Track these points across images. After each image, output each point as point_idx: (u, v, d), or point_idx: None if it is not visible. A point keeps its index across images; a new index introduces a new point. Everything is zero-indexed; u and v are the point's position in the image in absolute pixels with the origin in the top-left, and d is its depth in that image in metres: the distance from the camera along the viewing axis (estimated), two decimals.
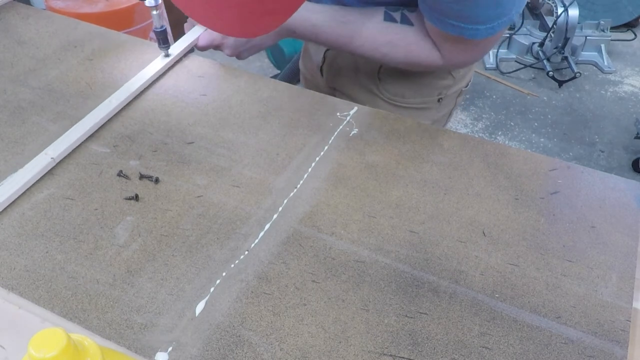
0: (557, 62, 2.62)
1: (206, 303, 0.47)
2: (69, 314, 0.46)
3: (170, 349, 0.44)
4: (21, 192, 0.56)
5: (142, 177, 0.59)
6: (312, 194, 0.58)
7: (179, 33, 0.80)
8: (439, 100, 0.87)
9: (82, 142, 0.63)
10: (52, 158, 0.59)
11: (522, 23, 2.75)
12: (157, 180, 0.58)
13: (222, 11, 0.50)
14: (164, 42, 0.72)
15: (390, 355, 0.45)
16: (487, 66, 2.73)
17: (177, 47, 0.78)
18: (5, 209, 0.54)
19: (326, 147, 0.64)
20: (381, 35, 0.71)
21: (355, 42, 0.73)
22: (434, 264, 0.52)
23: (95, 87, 0.71)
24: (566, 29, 2.49)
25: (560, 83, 2.57)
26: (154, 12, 0.67)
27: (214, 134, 0.65)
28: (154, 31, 0.70)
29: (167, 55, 0.75)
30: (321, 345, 0.45)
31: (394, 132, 0.67)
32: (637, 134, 2.22)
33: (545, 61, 2.58)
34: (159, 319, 0.46)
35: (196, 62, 0.77)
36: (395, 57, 0.73)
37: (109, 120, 0.66)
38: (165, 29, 0.69)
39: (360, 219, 0.56)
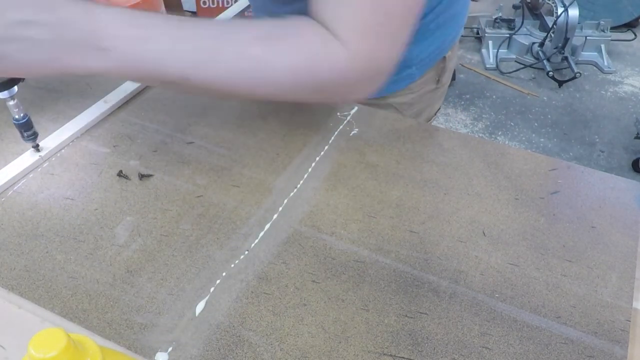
0: (557, 62, 2.62)
1: (206, 303, 0.47)
2: (69, 314, 0.46)
3: (170, 349, 0.44)
4: (5, 188, 0.56)
5: (142, 177, 0.59)
6: (312, 194, 0.58)
7: None
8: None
9: (82, 142, 0.63)
10: (40, 156, 0.59)
11: (522, 23, 2.75)
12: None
13: None
14: (28, 133, 0.57)
15: (390, 355, 0.45)
16: (487, 66, 2.73)
17: None
18: (4, 208, 0.54)
19: (326, 147, 0.64)
20: (252, 40, 0.48)
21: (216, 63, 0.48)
22: (434, 264, 0.52)
23: (95, 86, 0.71)
24: (566, 29, 2.49)
25: (560, 83, 2.57)
26: (10, 103, 0.54)
27: (214, 134, 0.65)
28: (15, 124, 0.56)
29: (37, 150, 0.59)
30: (321, 345, 0.45)
31: (394, 132, 0.67)
32: (637, 134, 2.23)
33: (545, 61, 2.58)
34: (159, 319, 0.46)
35: None
36: (273, 68, 0.48)
37: (109, 121, 0.66)
38: (28, 118, 0.56)
39: (360, 219, 0.56)
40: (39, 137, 0.59)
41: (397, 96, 0.79)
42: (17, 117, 0.56)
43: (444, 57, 0.81)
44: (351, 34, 0.48)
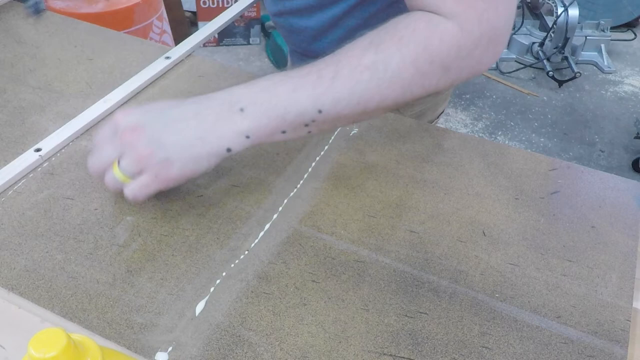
0: (557, 62, 2.62)
1: (206, 303, 0.47)
2: (69, 314, 0.46)
3: (170, 349, 0.44)
4: (5, 188, 0.56)
5: None
6: (312, 194, 0.58)
7: (178, 33, 0.80)
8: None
9: (82, 142, 0.63)
10: (40, 156, 0.59)
11: (522, 23, 2.75)
12: None
13: None
14: None
15: (390, 355, 0.45)
16: None
17: (179, 50, 0.78)
18: (4, 208, 0.54)
19: (326, 147, 0.64)
20: (366, 50, 0.50)
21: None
22: (434, 264, 0.52)
23: (95, 86, 0.71)
24: (566, 29, 2.49)
25: (560, 83, 2.57)
26: None
27: None
28: None
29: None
30: (321, 345, 0.45)
31: (394, 132, 0.67)
32: (637, 134, 2.23)
33: (545, 61, 2.58)
34: (159, 319, 0.46)
35: (196, 62, 0.77)
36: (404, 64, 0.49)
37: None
38: None
39: (360, 219, 0.56)
40: (38, 140, 0.59)
41: None
42: None
43: None
44: (454, 5, 0.48)
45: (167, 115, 0.51)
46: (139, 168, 0.50)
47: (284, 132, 0.51)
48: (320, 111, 0.50)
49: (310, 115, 0.50)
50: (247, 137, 0.50)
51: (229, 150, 0.50)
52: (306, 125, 0.51)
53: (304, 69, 0.51)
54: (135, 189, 0.51)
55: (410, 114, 0.82)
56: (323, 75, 0.50)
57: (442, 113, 0.91)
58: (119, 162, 0.50)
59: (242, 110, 0.50)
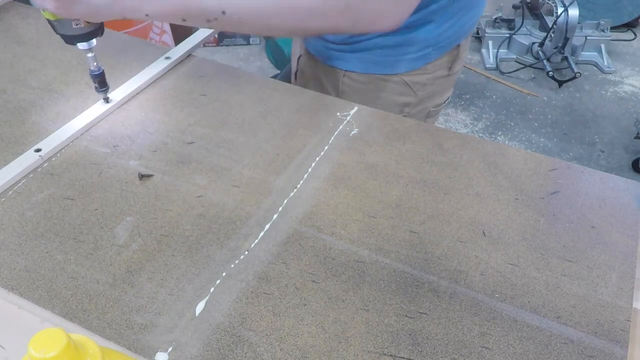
0: (557, 62, 2.62)
1: (206, 303, 0.47)
2: (69, 314, 0.46)
3: (170, 349, 0.44)
4: (5, 188, 0.56)
5: (142, 177, 0.59)
6: (312, 194, 0.58)
7: (178, 33, 0.80)
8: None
9: (82, 142, 0.63)
10: (40, 156, 0.59)
11: (522, 23, 2.75)
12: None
13: None
14: (101, 85, 0.65)
15: (390, 355, 0.45)
16: (487, 66, 2.73)
17: (179, 50, 0.78)
18: (4, 208, 0.54)
19: (326, 147, 0.64)
20: None
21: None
22: (434, 264, 0.52)
23: None
24: (566, 29, 2.49)
25: (560, 83, 2.57)
26: (89, 55, 0.62)
27: (214, 134, 0.65)
28: (90, 75, 0.64)
29: (107, 101, 0.67)
30: (321, 345, 0.45)
31: (394, 132, 0.67)
32: (637, 134, 2.22)
33: (545, 61, 2.58)
34: (159, 319, 0.46)
35: (196, 62, 0.77)
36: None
37: (109, 121, 0.66)
38: (102, 71, 0.64)
39: (360, 219, 0.56)
40: (38, 140, 0.59)
41: (413, 75, 0.83)
42: (93, 68, 0.64)
43: (458, 45, 0.85)
44: None
45: None
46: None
47: (184, 20, 0.57)
48: (224, 12, 0.55)
49: (212, 14, 0.56)
50: (147, 15, 0.57)
51: (124, 17, 0.58)
52: (208, 20, 0.57)
53: None
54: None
55: (421, 94, 0.85)
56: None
57: (448, 99, 0.93)
58: None
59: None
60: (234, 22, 0.57)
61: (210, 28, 0.58)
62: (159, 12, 0.57)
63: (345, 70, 0.82)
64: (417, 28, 0.76)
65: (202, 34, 0.82)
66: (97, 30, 0.61)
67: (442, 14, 0.76)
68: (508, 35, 2.76)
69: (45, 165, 0.59)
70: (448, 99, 0.93)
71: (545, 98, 2.54)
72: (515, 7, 2.97)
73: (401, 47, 0.79)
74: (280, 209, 0.56)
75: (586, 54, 2.75)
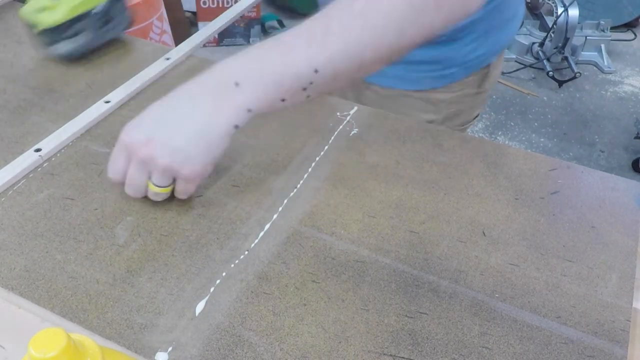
0: (557, 62, 2.62)
1: (206, 303, 0.47)
2: (69, 314, 0.46)
3: (170, 349, 0.44)
4: (5, 188, 0.56)
5: None
6: (312, 194, 0.58)
7: (178, 33, 0.80)
8: None
9: (82, 142, 0.63)
10: (40, 156, 0.59)
11: (522, 23, 2.75)
12: None
13: None
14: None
15: (390, 355, 0.45)
16: None
17: (179, 50, 0.78)
18: (4, 208, 0.54)
19: (326, 147, 0.64)
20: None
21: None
22: (434, 264, 0.52)
23: (95, 86, 0.71)
24: (566, 29, 2.49)
25: (560, 83, 2.57)
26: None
27: None
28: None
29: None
30: (321, 345, 0.45)
31: (394, 132, 0.67)
32: (637, 134, 2.23)
33: (545, 61, 2.58)
34: (159, 319, 0.46)
35: (196, 62, 0.77)
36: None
37: (109, 121, 0.66)
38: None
39: (360, 219, 0.56)
40: (38, 140, 0.59)
41: (437, 92, 0.80)
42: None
43: (489, 65, 0.81)
44: None
45: (167, 118, 0.51)
46: (169, 177, 0.52)
47: (283, 100, 0.51)
48: (316, 71, 0.49)
49: (306, 77, 0.49)
50: (249, 110, 0.50)
51: (236, 127, 0.51)
52: (304, 89, 0.50)
53: (295, 30, 0.50)
54: (182, 193, 0.54)
55: (446, 113, 0.81)
56: (314, 33, 0.49)
57: (477, 117, 0.89)
58: (150, 179, 0.52)
59: (237, 84, 0.49)
60: (328, 78, 0.50)
61: (308, 97, 0.52)
62: (261, 102, 0.50)
63: (369, 83, 0.80)
64: (441, 46, 0.73)
65: (202, 34, 0.82)
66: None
67: (469, 33, 0.73)
68: None
69: (45, 165, 0.59)
70: (478, 115, 0.89)
71: (545, 98, 2.54)
72: None
73: (425, 64, 0.76)
74: (280, 209, 0.56)
75: (586, 54, 2.75)
